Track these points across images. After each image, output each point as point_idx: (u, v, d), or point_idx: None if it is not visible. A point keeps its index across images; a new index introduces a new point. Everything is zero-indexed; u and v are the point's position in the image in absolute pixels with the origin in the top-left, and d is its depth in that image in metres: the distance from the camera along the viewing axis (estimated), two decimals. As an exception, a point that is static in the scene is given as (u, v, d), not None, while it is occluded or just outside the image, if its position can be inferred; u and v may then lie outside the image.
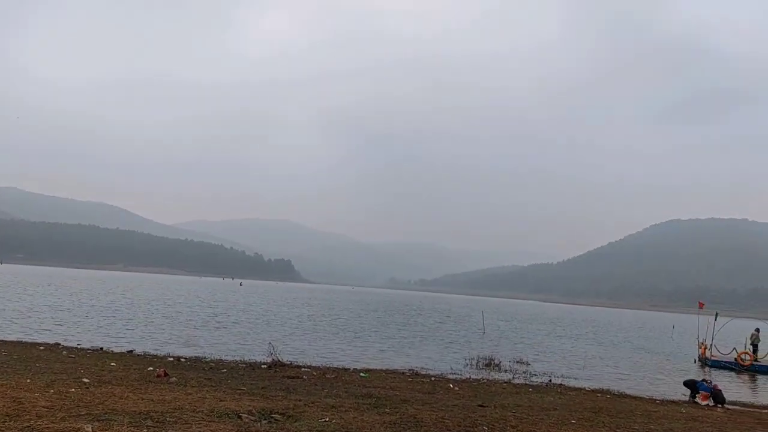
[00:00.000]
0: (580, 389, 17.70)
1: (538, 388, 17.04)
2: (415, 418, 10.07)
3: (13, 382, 10.27)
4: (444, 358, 25.17)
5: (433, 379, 17.58)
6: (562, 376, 21.53)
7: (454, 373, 19.90)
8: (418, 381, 16.64)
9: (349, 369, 18.53)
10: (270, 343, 19.71)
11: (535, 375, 21.15)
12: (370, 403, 11.39)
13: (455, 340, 34.94)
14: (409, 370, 19.84)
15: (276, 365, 17.18)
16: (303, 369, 17.12)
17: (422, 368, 20.75)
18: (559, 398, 14.94)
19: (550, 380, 19.75)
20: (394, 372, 18.80)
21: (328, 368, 18.18)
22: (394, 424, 9.46)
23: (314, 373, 16.27)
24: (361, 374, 17.00)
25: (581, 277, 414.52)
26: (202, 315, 40.78)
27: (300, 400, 11.03)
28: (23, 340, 20.68)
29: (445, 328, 44.78)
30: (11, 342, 19.44)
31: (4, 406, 8.14)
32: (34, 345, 18.74)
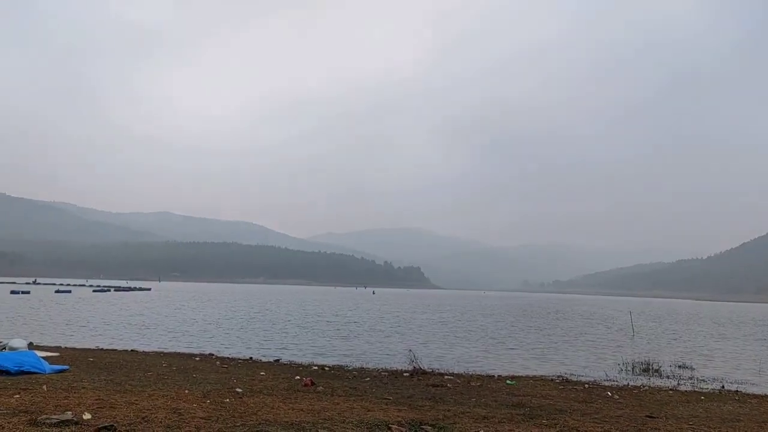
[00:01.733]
0: (763, 396, 15.53)
1: (711, 396, 15.17)
2: (578, 430, 9.13)
3: (173, 393, 10.66)
4: (594, 363, 23.46)
5: (586, 386, 16.27)
6: (736, 381, 19.15)
7: (610, 380, 18.36)
8: (570, 389, 15.44)
9: (494, 376, 17.70)
10: (410, 350, 19.41)
11: (704, 381, 18.98)
12: (524, 414, 10.56)
13: (604, 344, 32.68)
14: (558, 376, 18.61)
15: (418, 373, 16.78)
16: (446, 377, 16.55)
17: (572, 375, 19.41)
18: (740, 407, 13.13)
19: (723, 386, 17.61)
20: (542, 379, 17.70)
21: (472, 375, 17.48)
22: (556, 437, 8.62)
23: (458, 381, 15.64)
24: (508, 381, 16.12)
25: (738, 271, 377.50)
26: (340, 324, 41.69)
27: (449, 411, 10.46)
28: (181, 351, 22.03)
29: (589, 332, 42.25)
30: (171, 353, 20.75)
31: (166, 417, 8.34)
32: (191, 356, 19.84)
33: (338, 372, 16.70)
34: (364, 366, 18.84)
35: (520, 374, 18.75)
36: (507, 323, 49.22)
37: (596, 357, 25.87)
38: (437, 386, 14.33)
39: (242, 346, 25.49)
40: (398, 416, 9.48)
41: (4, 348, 16.00)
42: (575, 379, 18.04)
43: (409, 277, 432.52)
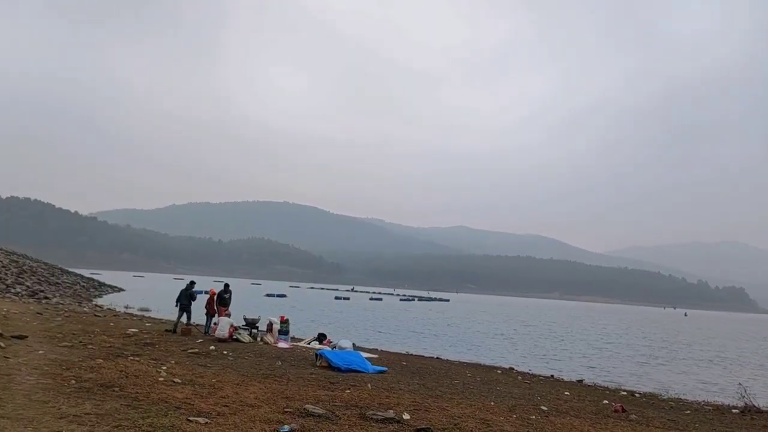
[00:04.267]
0: None
1: None
2: None
3: (480, 404, 10.93)
4: None
5: None
6: None
7: None
8: None
9: None
10: (740, 383, 16.73)
11: None
12: None
13: None
14: None
15: (750, 411, 14.32)
16: (790, 420, 13.80)
17: None
18: None
19: None
20: None
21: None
22: None
23: (808, 428, 12.89)
24: None
25: None
26: (646, 347, 38.38)
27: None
28: (481, 362, 22.62)
29: None
30: (472, 364, 21.47)
31: (476, 427, 8.57)
32: (492, 368, 20.22)
33: (651, 400, 15.20)
34: (682, 397, 16.86)
35: None
36: None
37: None
38: (781, 431, 12.03)
39: (539, 363, 25.09)
40: (733, 461, 8.18)
41: (335, 347, 18.43)
42: None
43: (729, 298, 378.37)
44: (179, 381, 10.14)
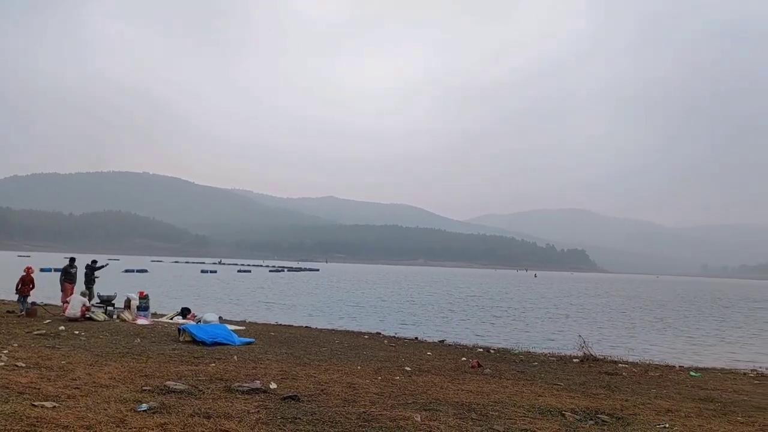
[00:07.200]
0: None
1: None
2: (783, 430, 8.07)
3: (347, 369, 11.21)
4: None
5: (788, 383, 14.39)
6: None
7: (819, 377, 16.08)
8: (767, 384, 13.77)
9: (675, 366, 16.33)
10: (579, 335, 18.58)
11: None
12: (714, 409, 9.57)
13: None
14: (752, 370, 16.68)
15: (588, 359, 15.99)
16: (620, 365, 15.59)
17: (768, 369, 17.30)
18: None
19: None
20: (731, 372, 15.96)
21: (649, 365, 16.25)
22: (755, 437, 7.69)
23: (634, 370, 14.63)
24: (691, 373, 14.76)
25: None
26: (500, 308, 41.19)
27: (627, 401, 9.80)
28: (350, 329, 23.13)
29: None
30: (341, 331, 21.87)
31: (342, 390, 8.79)
32: (360, 334, 20.74)
33: (504, 355, 16.45)
34: (531, 350, 18.40)
35: (706, 366, 17.11)
36: (687, 311, 45.32)
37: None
38: (611, 374, 13.55)
39: (404, 327, 26.10)
40: (571, 403, 9.09)
41: (200, 321, 17.89)
42: (774, 374, 16.05)
43: (573, 260, 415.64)
44: (23, 365, 9.34)
